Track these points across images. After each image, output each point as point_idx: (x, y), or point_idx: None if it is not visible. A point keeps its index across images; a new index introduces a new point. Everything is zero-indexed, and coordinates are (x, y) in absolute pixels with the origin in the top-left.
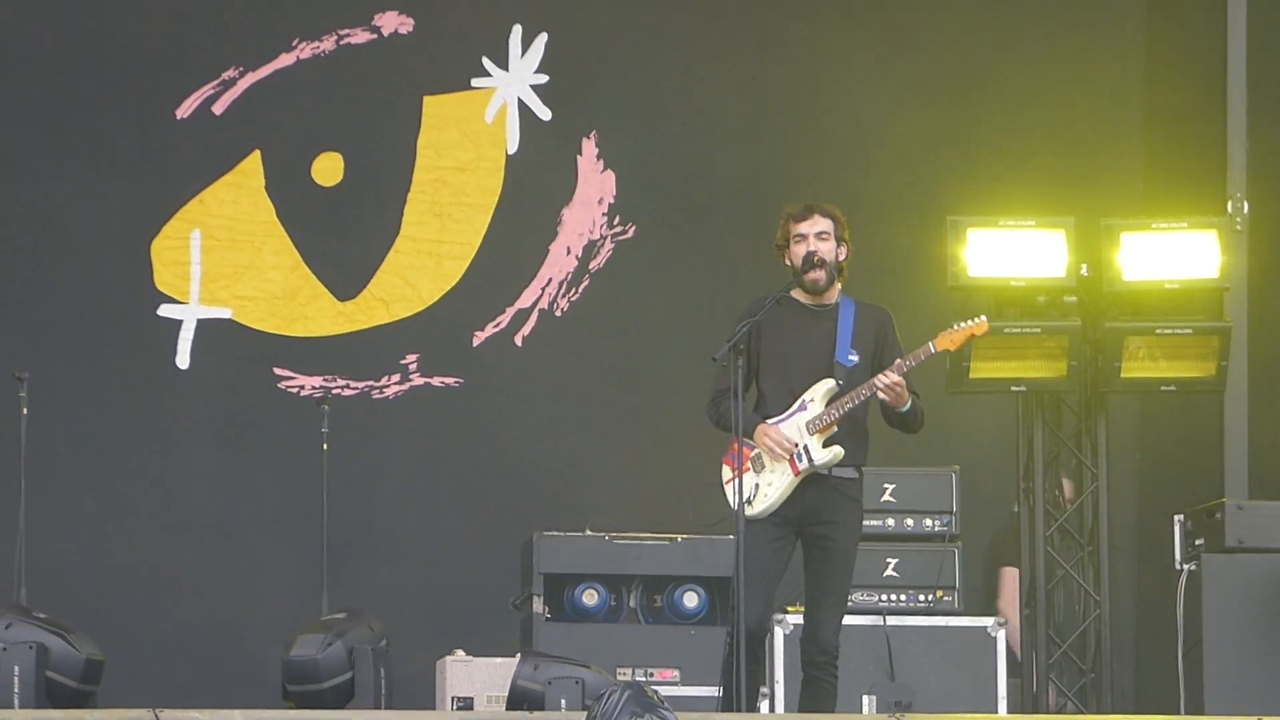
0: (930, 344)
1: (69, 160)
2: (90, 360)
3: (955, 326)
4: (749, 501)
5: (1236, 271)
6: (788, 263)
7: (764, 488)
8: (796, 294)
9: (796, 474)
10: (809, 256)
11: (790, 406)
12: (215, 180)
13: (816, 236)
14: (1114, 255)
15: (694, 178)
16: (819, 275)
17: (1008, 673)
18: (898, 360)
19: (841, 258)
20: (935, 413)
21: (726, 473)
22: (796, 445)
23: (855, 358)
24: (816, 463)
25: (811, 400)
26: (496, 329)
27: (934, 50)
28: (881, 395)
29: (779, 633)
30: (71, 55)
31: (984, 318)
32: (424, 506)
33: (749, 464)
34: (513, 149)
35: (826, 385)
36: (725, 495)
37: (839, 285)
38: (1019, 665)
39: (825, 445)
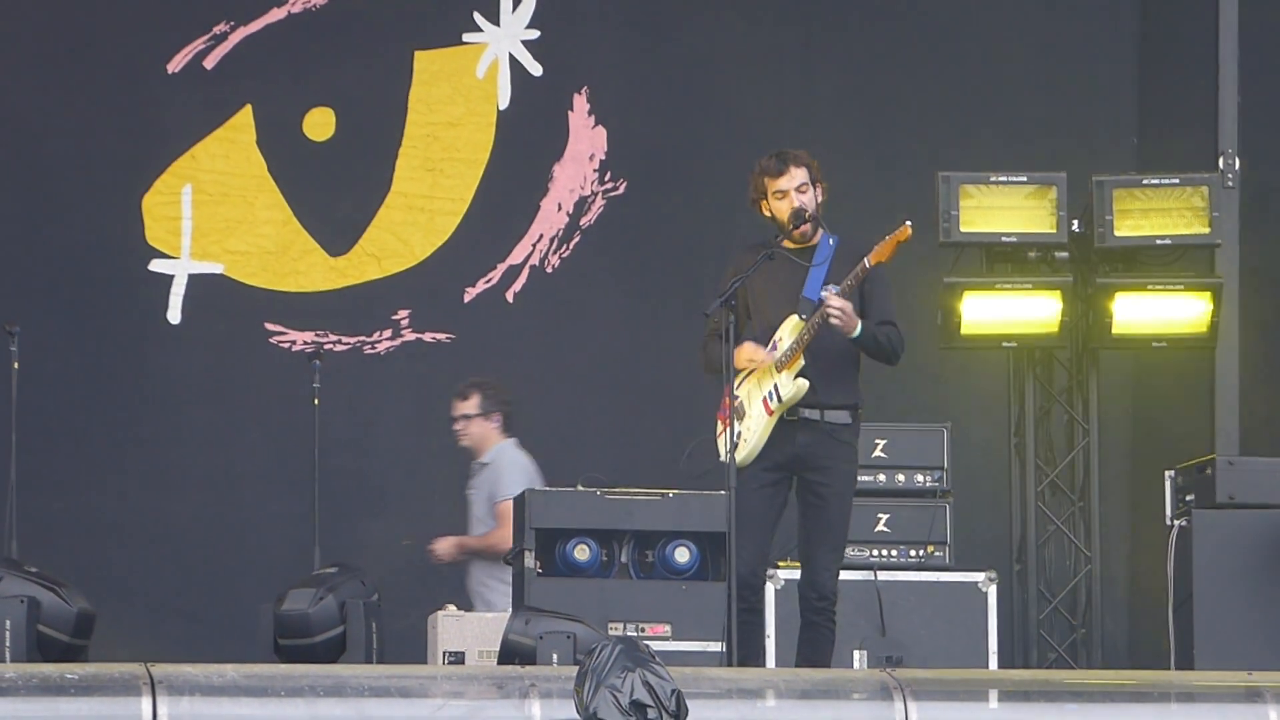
0: (865, 260)
1: (60, 115)
2: (82, 315)
3: (884, 238)
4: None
5: (1228, 227)
6: (766, 214)
7: (745, 434)
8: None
9: (770, 414)
10: (798, 213)
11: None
12: (207, 135)
13: (797, 190)
14: (1105, 211)
15: (685, 133)
16: (808, 228)
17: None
18: (841, 284)
19: (820, 200)
20: (927, 368)
21: (719, 427)
22: (765, 353)
23: (835, 291)
24: (784, 397)
25: (780, 339)
26: (488, 285)
27: (926, 3)
28: (833, 321)
29: (770, 588)
30: (62, 9)
31: (908, 222)
32: (415, 461)
33: (732, 412)
34: (504, 104)
35: (792, 322)
36: (717, 449)
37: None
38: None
39: (795, 379)
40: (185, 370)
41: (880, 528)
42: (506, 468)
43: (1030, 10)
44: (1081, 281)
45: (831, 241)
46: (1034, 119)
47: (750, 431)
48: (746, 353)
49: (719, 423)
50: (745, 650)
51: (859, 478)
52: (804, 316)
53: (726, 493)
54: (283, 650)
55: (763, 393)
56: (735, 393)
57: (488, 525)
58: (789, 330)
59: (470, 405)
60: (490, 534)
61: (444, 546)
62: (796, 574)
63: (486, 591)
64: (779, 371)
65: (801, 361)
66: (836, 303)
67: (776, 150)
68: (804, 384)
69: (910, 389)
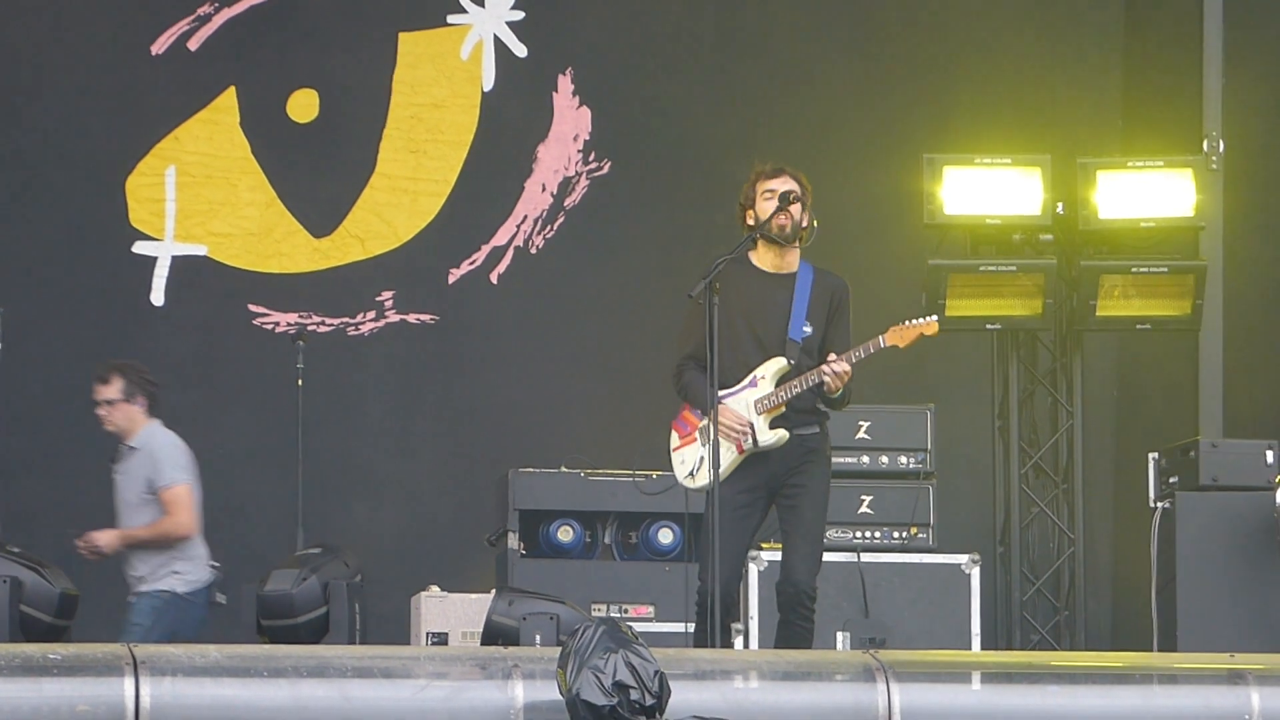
0: (880, 338)
1: (44, 96)
2: (65, 297)
3: (907, 323)
4: (692, 474)
5: (1212, 210)
6: (750, 223)
7: (705, 460)
8: (756, 258)
9: (740, 453)
10: (785, 195)
11: (741, 380)
12: (190, 116)
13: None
14: (1090, 193)
15: (669, 114)
16: (785, 221)
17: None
18: (849, 351)
19: (804, 225)
20: (911, 351)
21: (675, 439)
22: (747, 427)
23: (809, 329)
24: (761, 444)
25: (762, 378)
26: (472, 266)
27: None
28: (826, 382)
29: (753, 569)
30: None
31: (935, 318)
32: (399, 443)
33: (696, 435)
34: (488, 86)
35: (778, 364)
36: (672, 465)
37: (798, 252)
38: None
39: (772, 427)
40: (169, 352)
41: (864, 509)
42: (163, 451)
43: None
44: (1065, 263)
45: (809, 271)
46: (1019, 101)
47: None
48: (728, 420)
49: (674, 433)
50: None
51: (843, 459)
52: (791, 361)
53: (708, 521)
54: (266, 631)
55: None
56: (704, 415)
57: (146, 512)
58: (773, 373)
59: (112, 390)
60: (160, 523)
61: (106, 539)
62: (778, 554)
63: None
64: (758, 413)
65: (783, 410)
66: (841, 368)
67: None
68: (784, 436)
69: (894, 371)
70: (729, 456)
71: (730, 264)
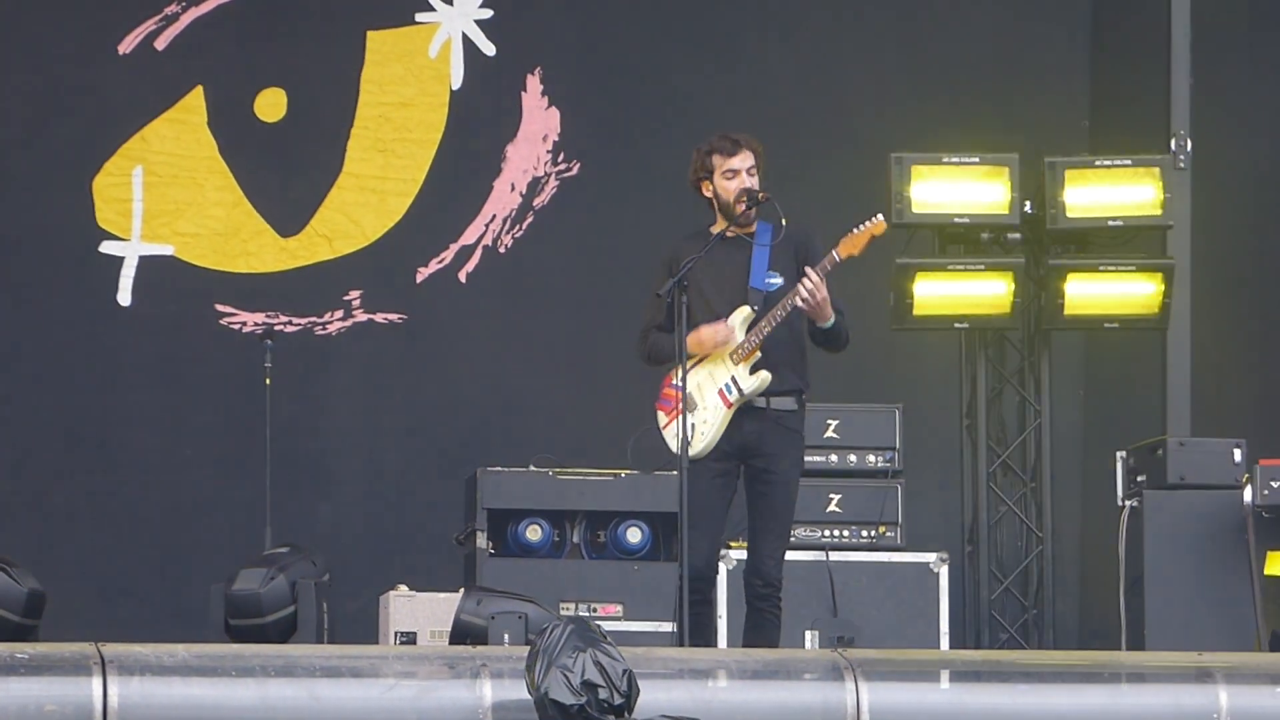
0: (834, 252)
1: (10, 95)
2: (32, 297)
3: (856, 229)
4: (687, 443)
5: (1179, 209)
6: (708, 195)
7: (700, 426)
8: (714, 227)
9: (729, 406)
10: (752, 195)
11: None
12: (157, 116)
13: (748, 172)
14: (1058, 192)
15: (638, 114)
16: (753, 210)
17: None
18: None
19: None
20: (878, 349)
21: (663, 418)
22: (731, 331)
23: (777, 279)
24: (745, 391)
25: (731, 329)
26: (440, 265)
27: None
28: (801, 305)
29: (722, 568)
30: None
31: (880, 216)
32: (367, 442)
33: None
34: (457, 85)
35: (743, 313)
36: (665, 441)
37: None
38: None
39: (752, 372)
40: (136, 352)
41: (832, 508)
42: None
43: None
44: (1033, 263)
45: (768, 227)
46: (986, 100)
47: (707, 425)
48: (705, 334)
49: (660, 413)
50: (699, 642)
51: (811, 458)
52: (755, 307)
53: (679, 488)
54: (233, 630)
55: (718, 385)
56: (682, 384)
57: None
58: (740, 321)
59: None
60: None
61: None
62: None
63: None
64: (735, 364)
65: (759, 354)
66: (813, 282)
67: (723, 132)
68: (766, 377)
69: (862, 370)
70: (719, 415)
71: (689, 239)
